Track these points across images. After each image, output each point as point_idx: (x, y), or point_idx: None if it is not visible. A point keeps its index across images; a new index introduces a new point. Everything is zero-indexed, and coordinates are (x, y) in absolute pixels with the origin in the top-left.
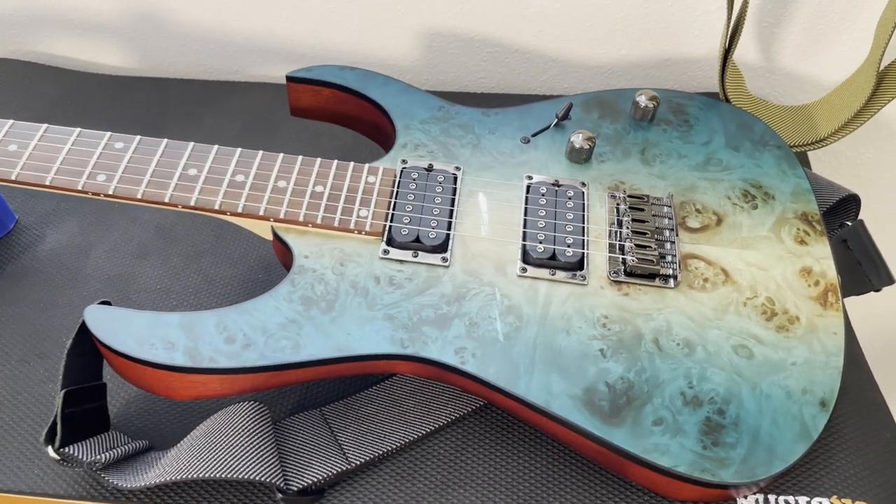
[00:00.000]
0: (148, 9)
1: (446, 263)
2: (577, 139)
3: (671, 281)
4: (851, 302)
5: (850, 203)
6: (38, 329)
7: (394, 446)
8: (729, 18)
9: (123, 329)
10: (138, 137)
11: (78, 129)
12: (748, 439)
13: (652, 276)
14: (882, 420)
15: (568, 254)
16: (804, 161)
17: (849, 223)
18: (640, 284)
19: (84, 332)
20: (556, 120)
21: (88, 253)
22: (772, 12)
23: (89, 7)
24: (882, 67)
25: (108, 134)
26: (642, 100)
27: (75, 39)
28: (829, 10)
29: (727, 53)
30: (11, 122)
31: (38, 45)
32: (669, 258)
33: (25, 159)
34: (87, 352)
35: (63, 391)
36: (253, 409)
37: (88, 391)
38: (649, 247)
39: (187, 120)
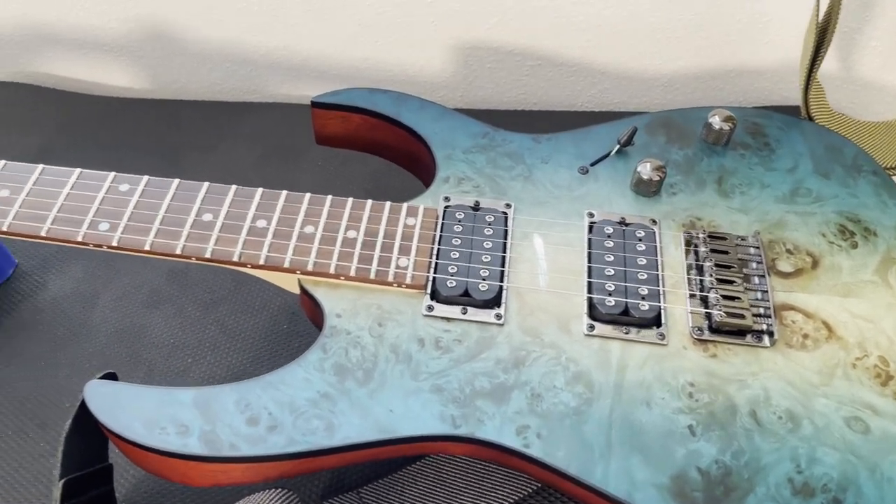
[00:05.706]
0: (157, 26)
1: (500, 321)
2: (645, 169)
3: (766, 338)
4: None
5: None
6: (37, 393)
7: None
8: (816, 19)
9: (129, 410)
10: (146, 178)
11: (78, 170)
12: None
13: (742, 332)
14: None
15: (643, 307)
16: None
17: None
18: (729, 343)
19: (85, 410)
20: (618, 146)
21: (94, 302)
22: (854, 14)
23: (95, 25)
24: None
25: (112, 175)
26: (716, 121)
27: (81, 60)
28: None
29: (813, 62)
30: (3, 162)
31: (41, 67)
32: (762, 310)
33: (18, 207)
34: (90, 430)
35: (62, 481)
36: (280, 496)
37: (92, 476)
38: (738, 297)
39: (201, 146)
